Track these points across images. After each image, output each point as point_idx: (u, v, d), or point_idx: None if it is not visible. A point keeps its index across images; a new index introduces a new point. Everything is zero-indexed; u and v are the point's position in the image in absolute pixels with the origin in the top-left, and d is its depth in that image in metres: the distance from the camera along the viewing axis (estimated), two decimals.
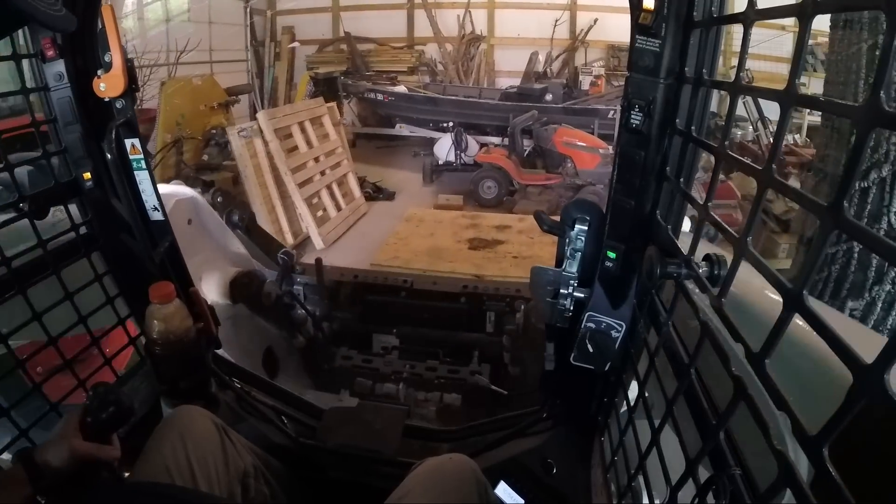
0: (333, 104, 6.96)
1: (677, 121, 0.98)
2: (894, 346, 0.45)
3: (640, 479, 1.04)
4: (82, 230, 1.43)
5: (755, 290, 0.92)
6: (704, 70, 0.92)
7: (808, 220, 3.17)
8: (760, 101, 5.67)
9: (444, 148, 7.67)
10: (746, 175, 0.73)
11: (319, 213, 5.67)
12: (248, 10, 10.69)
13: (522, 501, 1.43)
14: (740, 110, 7.67)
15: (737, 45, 0.77)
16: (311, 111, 6.33)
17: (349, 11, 11.15)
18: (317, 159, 5.96)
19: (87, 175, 1.39)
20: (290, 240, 5.22)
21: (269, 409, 1.79)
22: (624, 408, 1.21)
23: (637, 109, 1.00)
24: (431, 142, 8.31)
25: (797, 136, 6.99)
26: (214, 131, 5.99)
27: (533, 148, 7.06)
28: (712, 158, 0.84)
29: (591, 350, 1.22)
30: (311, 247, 5.40)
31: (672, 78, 0.96)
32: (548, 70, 10.50)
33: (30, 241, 1.28)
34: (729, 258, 0.77)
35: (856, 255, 2.66)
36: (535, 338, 1.51)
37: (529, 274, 1.30)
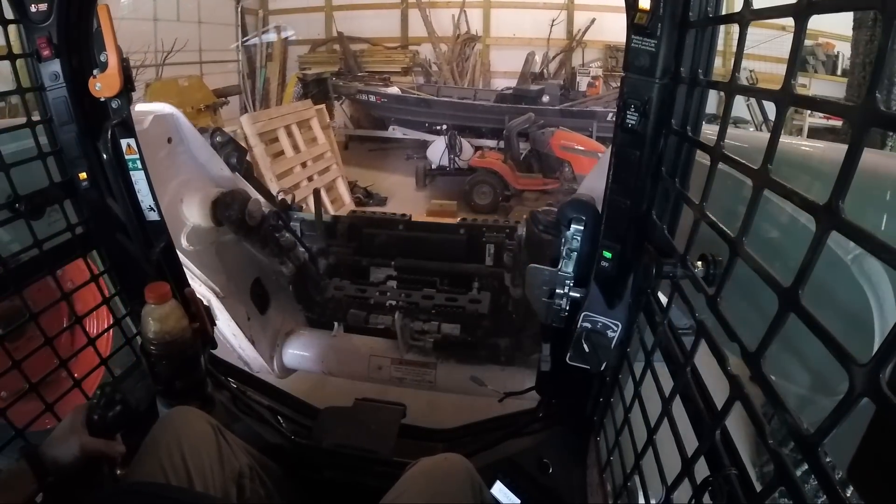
0: (322, 106, 6.81)
1: (673, 121, 0.98)
2: (890, 345, 0.45)
3: (636, 479, 1.04)
4: (78, 230, 1.43)
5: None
6: (700, 70, 0.92)
7: None
8: (765, 102, 5.65)
9: (437, 151, 7.40)
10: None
11: None
12: (240, 9, 10.51)
13: (518, 501, 1.43)
14: (744, 112, 7.66)
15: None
16: (299, 114, 6.15)
17: (342, 11, 11.04)
18: (304, 164, 5.80)
19: (83, 175, 1.39)
20: None
21: (264, 409, 1.79)
22: (620, 407, 1.21)
23: (633, 109, 1.00)
24: (425, 144, 8.02)
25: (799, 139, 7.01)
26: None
27: (529, 151, 6.88)
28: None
29: (586, 350, 1.22)
30: None
31: (668, 78, 0.96)
32: (545, 71, 10.39)
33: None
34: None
35: None
36: (538, 250, 1.44)
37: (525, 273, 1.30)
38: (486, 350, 2.10)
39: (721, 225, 0.77)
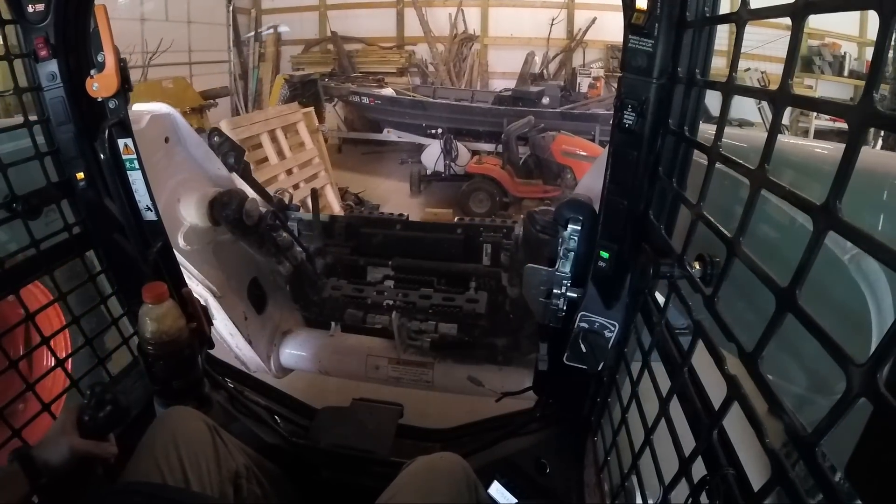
0: (311, 109, 6.38)
1: (670, 121, 0.98)
2: (887, 346, 0.45)
3: (634, 478, 1.04)
4: (75, 230, 1.43)
5: None
6: (697, 70, 0.92)
7: None
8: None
9: (432, 156, 7.05)
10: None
11: None
12: (232, 8, 10.17)
13: (515, 501, 1.43)
14: (755, 116, 7.57)
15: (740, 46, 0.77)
16: (284, 118, 5.75)
17: (337, 10, 10.91)
18: (289, 171, 5.44)
19: (81, 175, 1.39)
20: None
21: (262, 408, 1.79)
22: (617, 407, 1.21)
23: (630, 109, 1.00)
24: (421, 148, 7.63)
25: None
26: None
27: (529, 156, 6.47)
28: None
29: (584, 350, 1.22)
30: None
31: (665, 78, 0.96)
32: (544, 72, 10.20)
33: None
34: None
35: None
36: (536, 250, 1.42)
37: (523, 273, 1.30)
38: (484, 350, 2.10)
39: (718, 225, 0.77)
